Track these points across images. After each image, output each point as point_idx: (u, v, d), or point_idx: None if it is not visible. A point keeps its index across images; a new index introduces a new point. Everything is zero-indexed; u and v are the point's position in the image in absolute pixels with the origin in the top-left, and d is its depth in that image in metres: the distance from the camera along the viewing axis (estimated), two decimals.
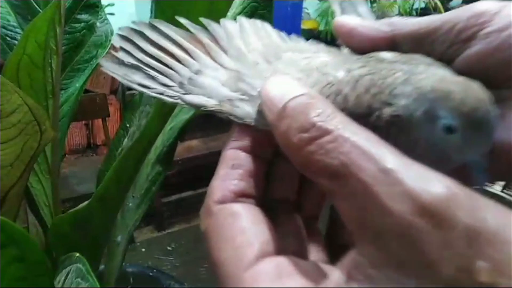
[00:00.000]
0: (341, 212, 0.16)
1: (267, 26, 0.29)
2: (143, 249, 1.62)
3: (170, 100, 0.24)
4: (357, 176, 0.15)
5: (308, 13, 2.03)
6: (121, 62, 0.26)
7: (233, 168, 0.20)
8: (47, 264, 0.39)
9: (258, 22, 0.29)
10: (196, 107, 0.23)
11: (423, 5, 2.00)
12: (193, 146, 1.81)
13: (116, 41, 0.26)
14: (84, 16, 0.70)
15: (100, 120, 1.73)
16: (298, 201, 0.23)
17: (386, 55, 0.21)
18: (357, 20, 0.23)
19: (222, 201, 0.19)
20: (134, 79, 0.25)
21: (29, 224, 0.51)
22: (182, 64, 0.25)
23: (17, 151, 0.41)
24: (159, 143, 0.63)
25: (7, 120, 0.38)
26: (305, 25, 1.92)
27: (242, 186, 0.19)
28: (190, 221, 1.79)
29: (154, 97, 0.24)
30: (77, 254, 0.41)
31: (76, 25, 0.69)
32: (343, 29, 0.23)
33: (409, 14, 1.89)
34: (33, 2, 0.55)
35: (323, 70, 0.22)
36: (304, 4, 1.92)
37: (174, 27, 0.27)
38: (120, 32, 0.27)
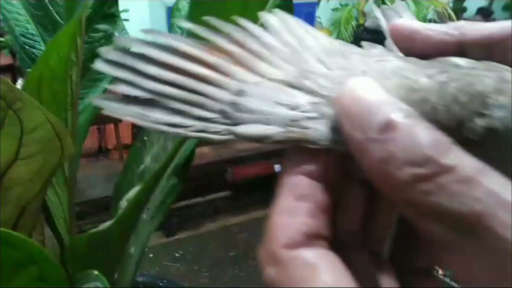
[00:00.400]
0: (458, 268, 0.14)
1: (313, 28, 0.23)
2: (151, 255, 1.61)
3: (218, 137, 0.19)
4: (498, 233, 0.12)
5: (320, 22, 2.03)
6: (126, 98, 0.19)
7: (300, 199, 0.16)
8: (67, 283, 0.38)
9: (301, 21, 0.23)
10: (256, 140, 0.18)
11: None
12: (203, 153, 1.81)
13: (103, 69, 0.20)
14: (102, 26, 0.70)
15: (112, 124, 1.74)
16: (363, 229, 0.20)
17: (459, 60, 0.19)
18: (419, 22, 0.21)
19: (292, 246, 0.16)
20: (156, 118, 0.19)
21: (45, 237, 0.50)
22: (215, 86, 0.20)
23: (37, 167, 0.40)
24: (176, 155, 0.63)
25: (29, 136, 0.37)
26: None
27: (314, 225, 0.16)
28: (199, 228, 1.78)
29: (194, 138, 0.19)
30: (96, 272, 0.41)
31: (95, 35, 0.69)
32: (403, 32, 0.21)
33: None
34: (55, 13, 0.54)
35: (402, 74, 0.18)
36: (317, 13, 1.91)
37: (179, 37, 0.21)
38: (106, 56, 0.20)
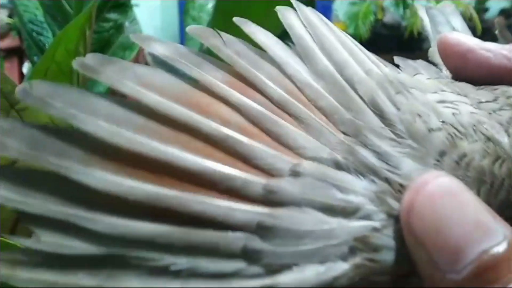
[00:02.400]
0: None
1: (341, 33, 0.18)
2: None
3: None
4: None
5: (336, 15, 2.00)
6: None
7: None
8: None
9: (324, 18, 0.18)
10: None
11: None
12: None
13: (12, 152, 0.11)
14: (113, 15, 0.67)
15: None
16: None
17: None
18: (474, 39, 0.18)
19: None
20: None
21: None
22: (224, 194, 0.11)
23: None
24: None
25: None
26: None
27: None
28: None
29: None
30: None
31: (105, 24, 0.66)
32: (456, 49, 0.18)
33: None
34: (65, 3, 0.52)
35: (484, 131, 0.14)
36: (334, 5, 1.89)
37: (162, 75, 0.12)
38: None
